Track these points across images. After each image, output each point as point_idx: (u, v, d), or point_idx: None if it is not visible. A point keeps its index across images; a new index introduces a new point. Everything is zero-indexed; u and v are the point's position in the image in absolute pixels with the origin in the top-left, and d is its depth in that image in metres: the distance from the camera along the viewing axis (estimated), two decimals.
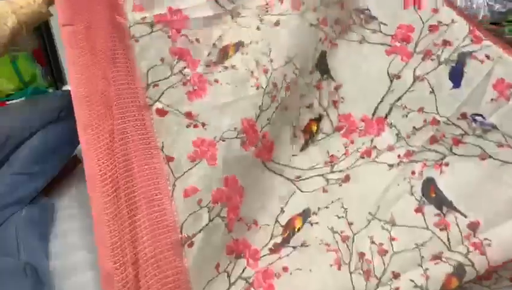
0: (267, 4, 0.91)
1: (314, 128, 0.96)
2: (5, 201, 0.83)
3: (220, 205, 0.76)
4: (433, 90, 0.91)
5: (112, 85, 0.74)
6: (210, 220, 0.74)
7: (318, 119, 0.97)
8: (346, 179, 0.90)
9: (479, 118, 0.85)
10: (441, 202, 0.81)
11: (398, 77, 0.94)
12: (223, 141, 0.79)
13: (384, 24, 0.97)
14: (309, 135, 0.96)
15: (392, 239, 0.79)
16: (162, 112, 0.77)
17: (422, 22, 0.94)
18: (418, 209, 0.82)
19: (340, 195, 0.87)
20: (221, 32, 0.88)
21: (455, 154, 0.86)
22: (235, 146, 0.80)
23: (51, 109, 0.91)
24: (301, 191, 0.90)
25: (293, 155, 0.94)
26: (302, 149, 0.95)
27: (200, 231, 0.72)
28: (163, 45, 0.81)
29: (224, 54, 0.87)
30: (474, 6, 1.14)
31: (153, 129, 0.76)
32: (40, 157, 0.88)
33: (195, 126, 0.79)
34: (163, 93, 0.78)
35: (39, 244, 0.82)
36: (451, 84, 0.89)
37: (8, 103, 0.99)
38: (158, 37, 0.80)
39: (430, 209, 0.81)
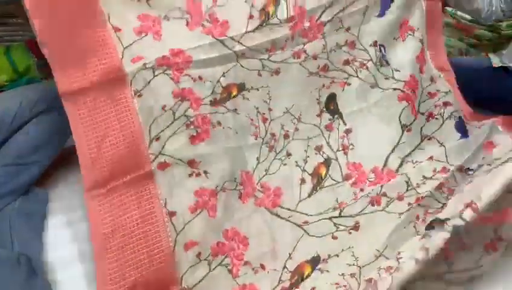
0: (270, 50, 0.88)
1: (323, 172, 0.93)
2: None
3: (220, 257, 0.78)
4: (442, 144, 0.94)
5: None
6: (210, 270, 0.76)
7: (327, 163, 0.94)
8: (356, 227, 0.86)
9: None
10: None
11: (409, 130, 0.96)
12: (224, 191, 0.81)
13: (397, 71, 0.99)
14: (317, 179, 0.92)
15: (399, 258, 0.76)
16: (164, 165, 0.76)
17: (422, 88, 0.98)
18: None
19: (351, 243, 0.84)
20: (225, 70, 0.85)
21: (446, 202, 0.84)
22: (234, 197, 0.82)
23: (42, 99, 0.88)
24: (309, 235, 0.86)
25: (300, 200, 0.90)
26: (310, 194, 0.91)
27: (200, 281, 0.75)
28: (165, 89, 0.78)
29: (228, 93, 0.85)
30: (493, 7, 1.12)
31: (155, 183, 0.75)
32: (32, 148, 0.86)
33: (198, 175, 0.80)
34: (165, 144, 0.77)
35: (33, 235, 0.82)
36: (458, 135, 0.93)
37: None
38: (160, 82, 0.78)
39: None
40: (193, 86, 0.81)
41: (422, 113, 0.97)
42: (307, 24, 0.90)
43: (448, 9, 1.54)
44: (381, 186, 0.91)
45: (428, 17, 0.99)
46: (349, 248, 0.83)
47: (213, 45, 0.82)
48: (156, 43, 0.78)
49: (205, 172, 0.80)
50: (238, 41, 0.85)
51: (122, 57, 0.75)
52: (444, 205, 0.83)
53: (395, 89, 0.97)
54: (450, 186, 0.88)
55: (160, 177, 0.75)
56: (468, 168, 0.88)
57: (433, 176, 0.90)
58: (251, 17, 0.85)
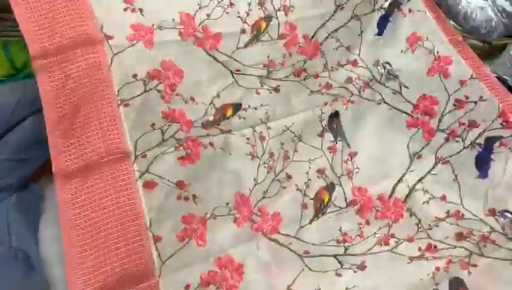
0: (268, 65, 0.87)
1: (326, 198, 0.86)
2: None
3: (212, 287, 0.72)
4: (456, 177, 0.86)
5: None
6: None
7: (330, 188, 0.87)
8: (363, 267, 0.80)
9: (509, 215, 0.79)
10: None
11: (419, 157, 0.89)
12: (214, 218, 0.76)
13: (406, 87, 0.92)
14: (319, 205, 0.86)
15: None
16: (151, 185, 0.72)
17: (448, 94, 0.88)
18: None
19: (356, 283, 0.78)
20: (220, 89, 0.83)
21: (483, 255, 0.79)
22: (227, 223, 0.77)
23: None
24: (310, 270, 0.79)
25: (301, 227, 0.83)
26: (312, 221, 0.84)
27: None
28: (155, 108, 0.75)
29: (222, 114, 0.83)
30: (493, 24, 1.07)
31: (141, 204, 0.68)
32: (29, 144, 0.87)
33: (186, 199, 0.75)
34: (152, 163, 0.73)
35: (30, 230, 0.83)
36: (476, 173, 0.84)
37: None
38: (150, 98, 0.75)
39: None
40: (184, 107, 0.78)
41: (443, 130, 0.89)
42: (301, 41, 0.90)
43: None
44: (390, 226, 0.84)
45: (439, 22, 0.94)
46: (354, 286, 0.77)
47: (205, 59, 0.81)
48: (147, 52, 0.76)
49: (194, 196, 0.76)
50: (230, 56, 0.84)
51: (111, 63, 0.72)
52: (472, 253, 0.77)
53: (402, 112, 0.92)
54: (482, 233, 0.80)
55: (146, 197, 0.70)
56: (505, 210, 0.81)
57: (446, 218, 0.84)
58: (243, 31, 0.85)
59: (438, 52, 0.90)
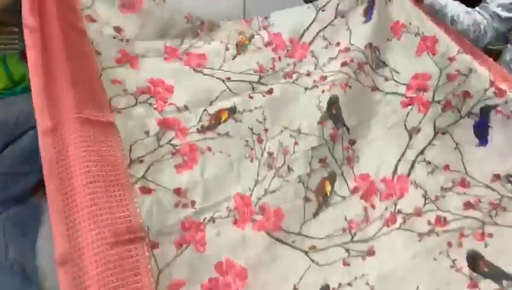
0: (260, 70, 0.89)
1: (328, 188, 0.85)
2: None
3: None
4: (457, 146, 0.85)
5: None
6: None
7: (332, 178, 0.86)
8: (371, 252, 0.78)
9: None
10: (500, 276, 0.71)
11: (418, 130, 0.89)
12: (213, 222, 0.74)
13: (397, 72, 0.93)
14: (322, 197, 0.84)
15: None
16: (147, 190, 0.70)
17: (440, 70, 0.89)
18: (472, 286, 0.72)
19: (365, 271, 0.76)
20: (213, 98, 0.83)
21: (497, 223, 0.77)
22: (227, 226, 0.75)
23: None
24: (318, 265, 0.76)
25: (305, 221, 0.81)
26: (316, 214, 0.82)
27: None
28: (148, 117, 0.76)
29: (216, 118, 0.82)
30: (482, 27, 1.07)
31: (135, 209, 0.65)
32: (27, 158, 0.86)
33: (184, 206, 0.73)
34: (148, 168, 0.71)
35: (27, 243, 0.82)
36: (476, 141, 0.84)
37: None
38: (142, 109, 0.76)
39: (487, 285, 0.71)
40: (178, 115, 0.79)
41: (438, 102, 0.89)
42: (288, 44, 0.92)
43: None
44: (395, 203, 0.82)
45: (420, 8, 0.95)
46: (363, 275, 0.75)
47: (194, 75, 0.83)
48: (134, 72, 0.78)
49: (193, 203, 0.74)
50: (219, 69, 0.86)
51: (100, 75, 0.74)
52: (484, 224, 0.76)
53: (396, 93, 0.92)
54: (490, 200, 0.79)
55: (142, 202, 0.68)
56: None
57: (453, 187, 0.83)
58: (227, 49, 0.88)
59: (423, 33, 0.92)
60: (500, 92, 0.83)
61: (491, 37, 1.11)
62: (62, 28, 0.70)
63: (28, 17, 0.67)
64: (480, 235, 0.77)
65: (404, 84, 0.92)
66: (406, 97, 0.91)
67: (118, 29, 0.80)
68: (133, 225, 0.63)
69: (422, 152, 0.87)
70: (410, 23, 0.93)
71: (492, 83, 0.84)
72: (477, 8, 1.13)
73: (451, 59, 0.88)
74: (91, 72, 0.73)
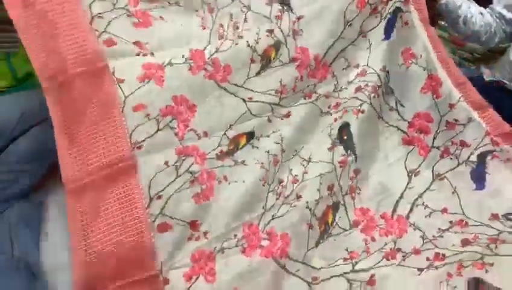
0: (281, 92, 0.87)
1: (330, 219, 0.87)
2: None
3: None
4: (455, 190, 0.89)
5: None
6: None
7: (335, 208, 0.89)
8: (372, 282, 0.79)
9: None
10: None
11: (417, 173, 0.92)
12: (223, 252, 0.77)
13: (402, 105, 0.95)
14: (324, 226, 0.86)
15: None
16: (165, 227, 0.71)
17: (440, 115, 0.93)
18: None
19: None
20: (232, 121, 0.82)
21: (497, 254, 0.78)
22: (237, 255, 0.77)
23: (44, 108, 0.89)
24: None
25: (308, 250, 0.83)
26: (318, 243, 0.84)
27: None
28: (168, 147, 0.75)
29: (235, 144, 0.83)
30: (493, 29, 1.11)
31: (153, 247, 0.68)
32: (31, 155, 0.86)
33: (197, 239, 0.75)
34: (166, 202, 0.72)
35: (31, 240, 0.82)
36: (474, 186, 0.88)
37: None
38: (163, 137, 0.74)
39: None
40: (198, 143, 0.78)
41: (437, 148, 0.93)
42: (312, 63, 0.89)
43: (441, 22, 1.57)
44: (395, 241, 0.85)
45: (432, 42, 0.97)
46: None
47: (217, 92, 0.80)
48: (158, 89, 0.74)
49: (205, 233, 0.76)
50: (242, 86, 0.83)
51: (124, 106, 0.71)
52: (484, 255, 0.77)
53: (398, 128, 0.95)
54: (489, 236, 0.81)
55: (159, 241, 0.70)
56: (509, 213, 0.83)
57: (450, 228, 0.85)
58: (253, 61, 0.84)
59: (430, 71, 0.94)
60: (495, 143, 0.88)
61: (499, 38, 1.11)
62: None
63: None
64: (480, 264, 0.78)
65: (406, 120, 0.95)
66: (408, 136, 0.95)
67: (139, 45, 0.75)
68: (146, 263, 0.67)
69: (420, 196, 0.90)
70: (420, 56, 0.95)
71: (488, 133, 0.89)
72: (487, 9, 1.12)
73: (451, 106, 0.92)
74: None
